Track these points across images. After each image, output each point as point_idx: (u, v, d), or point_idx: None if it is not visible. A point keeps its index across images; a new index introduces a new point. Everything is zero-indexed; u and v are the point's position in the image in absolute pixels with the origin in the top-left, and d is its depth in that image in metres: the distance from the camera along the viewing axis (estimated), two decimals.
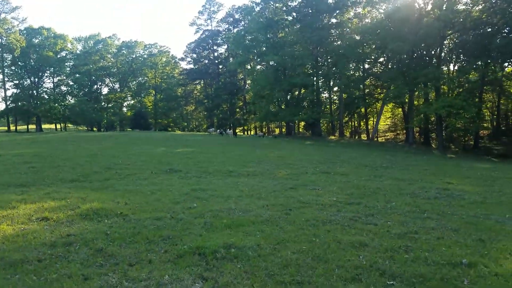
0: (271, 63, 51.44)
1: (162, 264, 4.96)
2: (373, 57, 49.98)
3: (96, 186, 11.48)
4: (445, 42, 42.07)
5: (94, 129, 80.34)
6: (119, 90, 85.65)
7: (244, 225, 6.88)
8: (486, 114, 52.69)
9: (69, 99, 79.85)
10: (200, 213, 7.71)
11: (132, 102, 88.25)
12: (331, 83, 52.47)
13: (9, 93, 73.79)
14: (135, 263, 4.98)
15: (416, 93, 42.63)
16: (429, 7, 38.83)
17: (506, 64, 42.42)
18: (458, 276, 4.65)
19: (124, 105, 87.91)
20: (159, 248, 5.58)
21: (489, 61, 39.61)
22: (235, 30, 69.53)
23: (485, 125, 48.75)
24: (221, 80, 75.99)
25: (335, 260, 5.17)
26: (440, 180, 13.96)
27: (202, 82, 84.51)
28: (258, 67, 59.38)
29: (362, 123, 67.12)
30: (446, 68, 46.58)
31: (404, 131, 51.23)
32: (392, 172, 16.09)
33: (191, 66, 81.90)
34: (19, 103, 70.99)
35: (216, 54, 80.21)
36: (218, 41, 78.04)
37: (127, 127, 78.07)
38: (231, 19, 74.16)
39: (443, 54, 44.10)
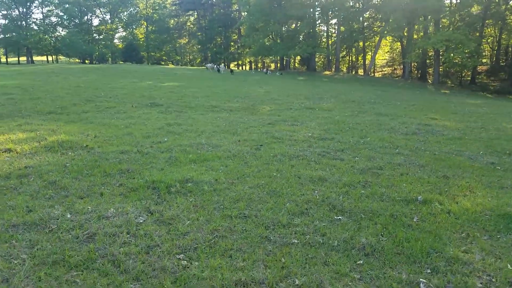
0: None
1: (112, 197, 4.89)
2: None
3: (72, 118, 11.25)
4: None
5: (86, 61, 78.19)
6: (109, 21, 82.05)
7: (209, 160, 6.78)
8: (486, 49, 51.21)
9: (60, 31, 76.97)
10: (168, 148, 7.57)
11: (124, 34, 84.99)
12: (329, 16, 50.06)
13: None
14: (86, 196, 4.90)
15: (416, 26, 40.95)
16: None
17: None
18: (409, 213, 4.60)
19: (115, 37, 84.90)
20: (114, 181, 5.49)
21: None
22: None
23: (484, 60, 47.66)
24: (214, 12, 72.48)
25: (289, 194, 5.11)
26: (424, 116, 13.79)
27: (195, 13, 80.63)
28: None
29: (360, 58, 65.43)
30: (448, 1, 44.36)
31: (402, 66, 50.07)
32: (378, 108, 15.85)
33: None
34: (8, 35, 68.44)
35: None
36: None
37: (119, 60, 76.10)
38: None
39: None
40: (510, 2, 41.66)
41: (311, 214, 4.50)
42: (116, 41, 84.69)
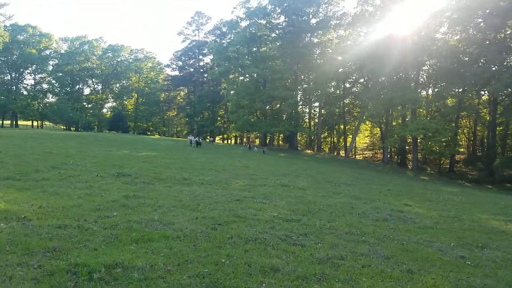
0: (253, 75, 51.23)
1: (21, 282, 4.15)
2: (353, 77, 50.38)
3: (27, 185, 10.53)
4: (423, 67, 42.54)
5: (72, 128, 78.31)
6: (101, 91, 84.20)
7: (154, 240, 6.11)
8: (463, 139, 53.27)
9: (50, 97, 78.23)
10: (114, 224, 6.89)
11: (114, 104, 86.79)
12: (312, 99, 52.40)
13: None
14: None
15: (394, 114, 42.88)
16: (409, 32, 39.06)
17: (482, 92, 42.86)
18: None
19: (105, 106, 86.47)
20: (34, 262, 4.76)
21: (465, 88, 39.97)
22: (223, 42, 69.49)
23: (461, 150, 49.24)
24: (204, 89, 75.50)
25: (232, 287, 4.44)
26: (398, 202, 13.45)
27: (186, 89, 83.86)
28: (241, 78, 59.07)
29: (341, 140, 67.20)
30: (425, 92, 47.12)
31: (382, 151, 51.31)
32: (353, 190, 15.54)
33: (176, 73, 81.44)
34: None
35: (201, 63, 79.98)
36: (204, 51, 77.72)
37: (105, 129, 76.48)
38: (219, 32, 74.20)
39: (421, 79, 44.58)
40: (482, 97, 44.42)
41: None
42: (105, 110, 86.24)
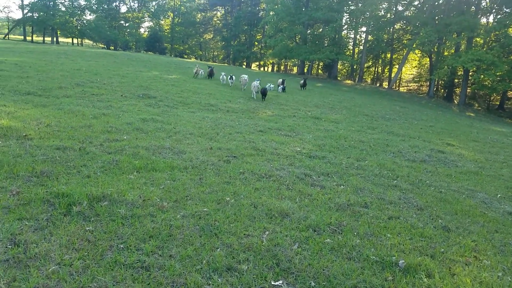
0: None
1: None
2: None
3: (44, 102, 10.25)
4: None
5: (111, 47, 78.46)
6: (137, 10, 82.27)
7: (158, 170, 5.54)
8: None
9: (88, 14, 77.47)
10: (120, 148, 6.38)
11: (150, 24, 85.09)
12: (359, 22, 48.15)
13: (26, 1, 72.03)
14: None
15: (448, 43, 38.77)
16: None
17: None
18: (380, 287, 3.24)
19: (142, 26, 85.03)
20: (13, 187, 4.31)
21: None
22: None
23: None
24: (242, 9, 71.51)
25: (229, 234, 3.82)
26: (440, 140, 12.19)
27: (223, 9, 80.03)
28: None
29: (386, 70, 63.12)
30: (485, 20, 41.92)
31: (428, 83, 47.76)
32: (391, 125, 14.30)
33: None
34: (35, 14, 69.23)
35: None
36: None
37: (143, 49, 76.07)
38: None
39: (483, 3, 39.33)
40: None
41: (240, 273, 3.19)
42: (142, 30, 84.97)
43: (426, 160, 8.77)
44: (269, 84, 21.77)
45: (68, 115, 8.75)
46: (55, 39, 72.30)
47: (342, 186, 5.88)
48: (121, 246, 3.35)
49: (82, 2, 78.05)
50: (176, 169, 5.66)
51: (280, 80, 23.72)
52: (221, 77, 22.87)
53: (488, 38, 38.07)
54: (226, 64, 64.30)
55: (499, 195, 6.63)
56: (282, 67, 73.26)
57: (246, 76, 21.01)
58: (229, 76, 21.91)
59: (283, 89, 22.74)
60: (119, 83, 15.79)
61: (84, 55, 29.75)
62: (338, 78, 52.39)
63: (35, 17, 69.39)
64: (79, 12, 75.66)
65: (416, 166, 8.03)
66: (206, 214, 4.19)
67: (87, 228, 3.57)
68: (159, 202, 4.34)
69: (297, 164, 6.90)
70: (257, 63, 74.88)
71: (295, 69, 66.72)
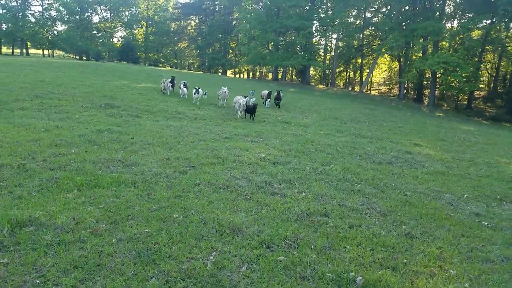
0: (267, 2, 47.34)
1: None
2: (376, 5, 46.23)
3: None
4: None
5: (83, 58, 76.54)
6: (109, 19, 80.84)
7: (102, 186, 5.07)
8: (484, 74, 50.03)
9: (59, 25, 75.47)
10: (64, 164, 5.86)
11: (124, 34, 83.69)
12: (329, 29, 48.77)
13: None
14: None
15: (415, 47, 39.72)
16: None
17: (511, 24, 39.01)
18: None
19: (115, 36, 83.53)
20: None
21: (494, 20, 36.36)
22: None
23: (481, 86, 46.41)
24: (215, 18, 71.49)
25: (166, 259, 3.40)
26: (408, 141, 12.14)
27: (197, 18, 79.77)
28: (255, 6, 54.90)
29: (357, 75, 64.11)
30: (450, 25, 43.43)
31: (398, 86, 48.72)
32: (360, 128, 14.20)
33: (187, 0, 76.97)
34: (3, 25, 67.01)
35: None
36: None
37: (116, 59, 74.60)
38: None
39: (447, 9, 40.70)
40: (511, 30, 40.65)
41: None
42: (115, 40, 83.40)
43: (393, 162, 8.60)
44: (250, 92, 19.63)
45: (17, 129, 8.14)
46: (24, 50, 69.99)
47: (303, 193, 5.57)
48: (37, 281, 2.89)
49: (53, 13, 76.20)
50: (122, 185, 5.21)
51: (266, 92, 19.20)
52: (180, 90, 17.73)
53: (453, 42, 39.20)
54: (201, 72, 63.82)
55: (465, 195, 6.47)
56: (257, 74, 73.38)
57: (226, 88, 17.05)
58: (194, 90, 16.39)
59: (278, 105, 18.34)
60: (83, 94, 15.11)
61: (51, 66, 28.64)
62: (312, 83, 52.79)
63: (4, 29, 67.11)
64: (49, 23, 73.77)
65: (382, 168, 7.83)
66: (146, 236, 3.77)
67: (2, 261, 3.09)
68: (93, 225, 3.89)
69: (259, 171, 6.56)
70: (232, 70, 74.73)
71: (270, 75, 66.89)
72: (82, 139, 7.66)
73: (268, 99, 18.65)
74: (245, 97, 14.23)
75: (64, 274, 3.01)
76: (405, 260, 3.74)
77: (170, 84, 19.25)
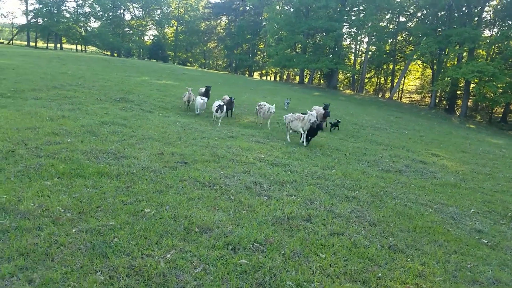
0: (295, 1, 46.97)
1: None
2: (410, 10, 44.85)
3: (7, 103, 9.89)
4: (491, 2, 36.81)
5: (115, 54, 78.78)
6: (141, 17, 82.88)
7: (83, 176, 4.99)
8: None
9: (93, 22, 78.17)
10: (54, 152, 5.85)
11: (155, 32, 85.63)
12: (360, 32, 47.77)
13: (30, 7, 72.81)
14: None
15: (451, 54, 38.16)
16: None
17: None
18: None
19: (146, 34, 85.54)
20: None
21: None
22: None
23: None
24: (244, 18, 71.73)
25: (120, 254, 3.24)
26: (425, 150, 11.54)
27: (226, 18, 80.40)
28: (285, 7, 54.60)
29: (388, 81, 62.53)
30: (488, 32, 41.41)
31: (430, 94, 47.07)
32: (378, 134, 13.66)
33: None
34: (39, 20, 69.95)
35: None
36: None
37: (146, 57, 76.30)
38: None
39: (487, 16, 38.91)
40: None
41: None
42: (146, 38, 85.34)
43: (402, 171, 8.14)
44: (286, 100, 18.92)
45: (22, 116, 8.27)
46: (58, 45, 72.79)
47: (292, 197, 5.29)
48: None
49: (87, 9, 78.90)
50: (105, 176, 5.11)
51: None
52: (197, 103, 12.77)
53: (491, 50, 37.44)
54: (227, 72, 64.16)
55: (472, 210, 5.98)
56: (284, 76, 73.07)
57: (273, 107, 11.27)
58: (216, 107, 11.38)
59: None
60: (100, 87, 15.37)
61: (78, 60, 29.53)
62: (340, 88, 51.91)
63: (39, 23, 70.08)
64: (83, 19, 76.37)
65: (388, 176, 7.40)
66: (108, 229, 3.62)
67: None
68: (59, 213, 3.78)
69: (253, 171, 6.33)
70: (259, 72, 74.71)
71: (297, 78, 66.38)
72: (83, 130, 7.67)
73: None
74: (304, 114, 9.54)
75: (6, 261, 2.90)
76: (380, 275, 3.40)
77: (203, 96, 13.44)
